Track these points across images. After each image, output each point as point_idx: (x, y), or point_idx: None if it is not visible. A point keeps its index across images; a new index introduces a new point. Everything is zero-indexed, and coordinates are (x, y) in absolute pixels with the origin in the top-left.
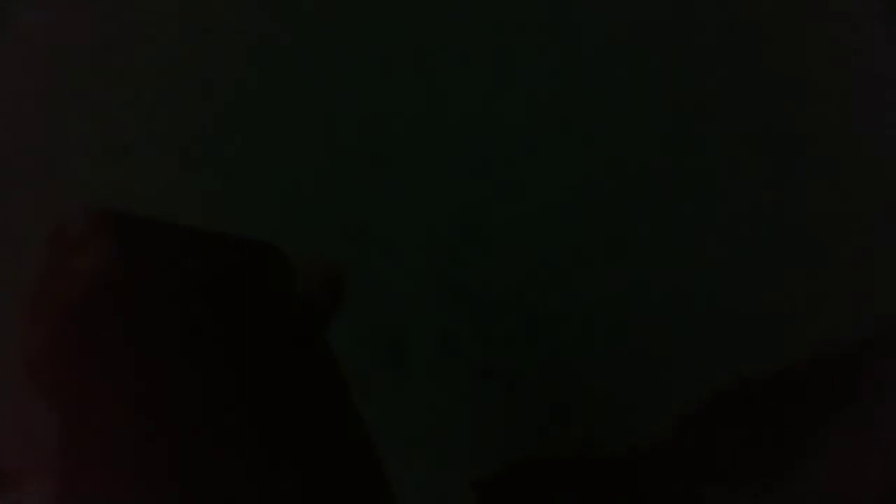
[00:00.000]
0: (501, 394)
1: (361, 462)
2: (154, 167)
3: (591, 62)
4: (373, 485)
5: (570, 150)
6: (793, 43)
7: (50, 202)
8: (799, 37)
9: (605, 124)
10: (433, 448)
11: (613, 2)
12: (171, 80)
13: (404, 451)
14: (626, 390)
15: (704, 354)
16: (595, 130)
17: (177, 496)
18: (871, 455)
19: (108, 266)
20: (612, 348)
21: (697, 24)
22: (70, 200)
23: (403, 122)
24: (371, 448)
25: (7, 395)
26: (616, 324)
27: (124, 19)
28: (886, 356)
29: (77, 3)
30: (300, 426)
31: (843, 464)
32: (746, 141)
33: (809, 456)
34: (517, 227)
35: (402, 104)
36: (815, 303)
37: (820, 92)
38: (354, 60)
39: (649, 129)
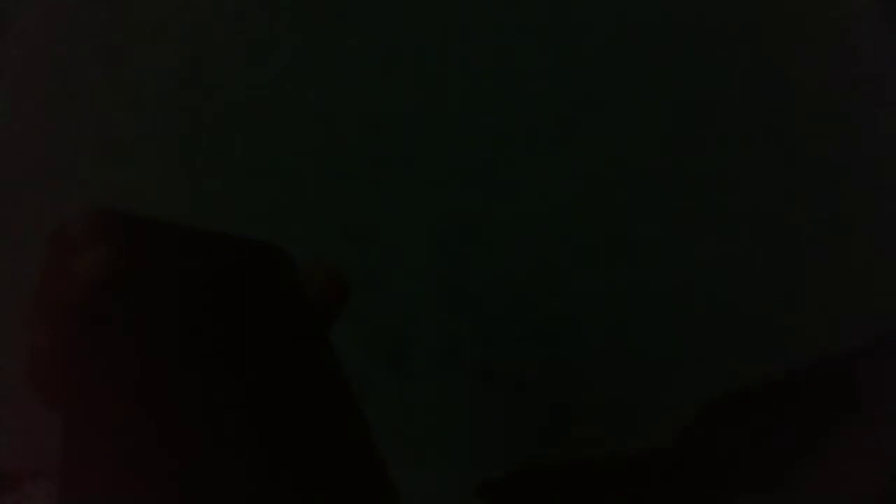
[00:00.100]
0: (503, 395)
1: (363, 463)
2: (154, 168)
3: (592, 62)
4: (375, 486)
5: (571, 151)
6: (793, 43)
7: (50, 203)
8: (799, 37)
9: (606, 125)
10: (435, 450)
11: (614, 1)
12: (171, 81)
13: (405, 452)
14: (627, 392)
15: (705, 355)
16: (595, 131)
17: (177, 496)
18: (871, 456)
19: (108, 266)
20: (613, 349)
21: (697, 25)
22: (70, 201)
23: (404, 122)
24: (374, 449)
25: (7, 396)
26: (618, 325)
27: (124, 19)
28: (887, 357)
29: (77, 3)
30: (301, 427)
31: (843, 465)
32: (746, 141)
33: (810, 457)
34: (518, 228)
35: (403, 105)
36: (815, 303)
37: (820, 92)
38: (355, 60)
39: (649, 130)
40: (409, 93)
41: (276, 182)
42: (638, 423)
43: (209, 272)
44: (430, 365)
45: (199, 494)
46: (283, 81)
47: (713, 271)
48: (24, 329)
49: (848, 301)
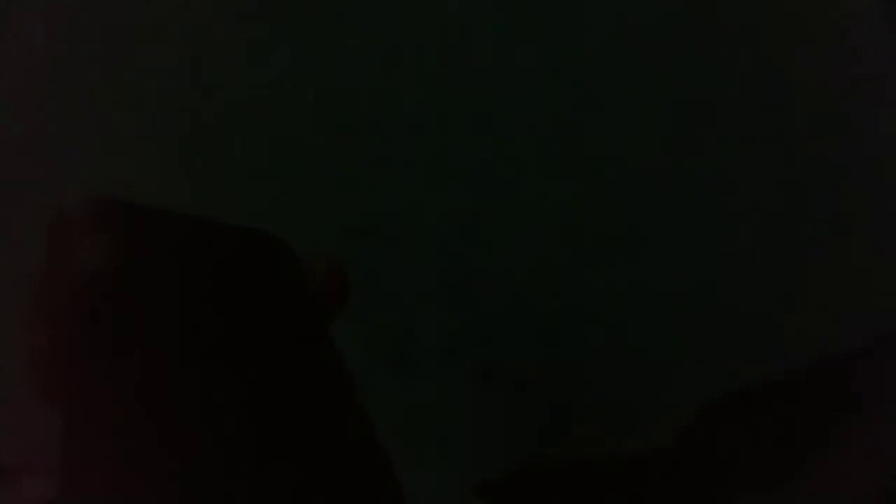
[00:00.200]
0: (503, 395)
1: (366, 460)
2: (155, 167)
3: (594, 59)
4: (379, 482)
5: (570, 151)
6: (793, 43)
7: (50, 204)
8: (799, 37)
9: (605, 124)
10: (435, 450)
11: (614, 1)
12: (171, 81)
13: (405, 452)
14: (627, 391)
15: (705, 355)
16: (595, 131)
17: (176, 493)
18: (871, 456)
19: (107, 254)
20: (613, 349)
21: (697, 25)
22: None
23: (404, 122)
24: (377, 445)
25: (4, 390)
26: (617, 325)
27: (124, 19)
28: (887, 357)
29: (77, 2)
30: (302, 426)
31: (843, 465)
32: (746, 141)
33: (810, 457)
34: (519, 227)
35: (403, 104)
36: (815, 303)
37: (820, 92)
38: (355, 60)
39: (649, 130)
40: (409, 92)
41: (275, 182)
42: (638, 423)
43: (210, 262)
44: (430, 365)
45: (198, 492)
46: (283, 81)
47: (713, 271)
48: (24, 324)
49: (848, 301)
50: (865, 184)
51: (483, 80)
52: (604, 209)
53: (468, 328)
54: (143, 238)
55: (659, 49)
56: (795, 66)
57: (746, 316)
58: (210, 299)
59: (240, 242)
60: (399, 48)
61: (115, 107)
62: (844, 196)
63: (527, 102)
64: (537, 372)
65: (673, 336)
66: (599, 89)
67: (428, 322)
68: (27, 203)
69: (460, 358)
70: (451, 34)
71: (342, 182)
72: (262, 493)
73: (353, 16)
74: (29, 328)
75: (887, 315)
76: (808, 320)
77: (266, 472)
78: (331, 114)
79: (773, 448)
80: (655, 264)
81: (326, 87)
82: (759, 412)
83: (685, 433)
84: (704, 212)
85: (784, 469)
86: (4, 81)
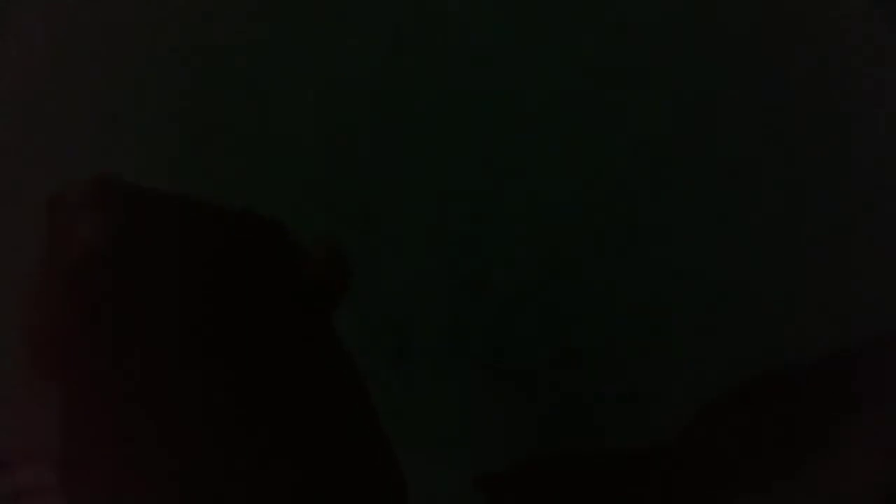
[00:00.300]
0: (510, 389)
1: (367, 455)
2: (155, 167)
3: (594, 59)
4: (378, 481)
5: (573, 150)
6: (793, 43)
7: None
8: (799, 37)
9: (605, 124)
10: (437, 445)
11: (614, 1)
12: (171, 81)
13: (407, 447)
14: (628, 391)
15: (705, 355)
16: (595, 131)
17: (176, 493)
18: (871, 456)
19: (106, 234)
20: (614, 349)
21: (697, 25)
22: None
23: (410, 105)
24: (379, 436)
25: (4, 390)
26: (620, 324)
27: (124, 19)
28: (887, 357)
29: (77, 2)
30: (302, 423)
31: (843, 465)
32: (746, 141)
33: (810, 457)
34: (520, 224)
35: (410, 88)
36: (815, 303)
37: (820, 92)
38: (355, 57)
39: (649, 130)
40: (409, 92)
41: (275, 182)
42: (638, 422)
43: (209, 251)
44: (434, 358)
45: (199, 494)
46: (284, 81)
47: (713, 271)
48: (25, 301)
49: (848, 301)
50: (865, 184)
51: (483, 80)
52: (604, 208)
53: (473, 321)
54: (142, 219)
55: (659, 49)
56: (795, 66)
57: (746, 316)
58: (209, 292)
59: (238, 226)
60: (399, 48)
61: (115, 107)
62: (844, 196)
63: (527, 102)
64: (541, 368)
65: (673, 336)
66: (599, 89)
67: (431, 315)
68: (27, 203)
69: (464, 351)
70: (451, 34)
71: (342, 180)
72: (262, 493)
73: (353, 16)
74: (27, 307)
75: (887, 315)
76: (808, 320)
77: (266, 472)
78: (331, 114)
79: (773, 448)
80: (655, 264)
81: (326, 87)
82: (759, 412)
83: (685, 433)
84: (704, 212)
85: (784, 469)
86: (4, 81)
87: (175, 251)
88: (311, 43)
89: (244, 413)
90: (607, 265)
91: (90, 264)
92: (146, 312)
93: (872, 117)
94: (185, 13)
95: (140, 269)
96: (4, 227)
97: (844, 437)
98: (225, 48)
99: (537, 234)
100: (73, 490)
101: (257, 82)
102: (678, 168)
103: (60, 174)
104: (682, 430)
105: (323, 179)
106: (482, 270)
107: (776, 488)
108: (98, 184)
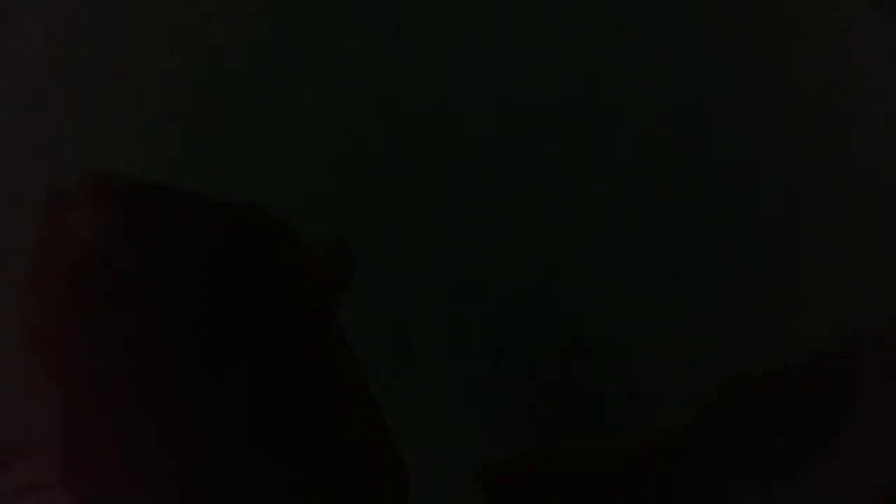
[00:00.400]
0: (510, 389)
1: (366, 456)
2: (155, 167)
3: (594, 59)
4: (379, 480)
5: (573, 150)
6: (793, 43)
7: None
8: (799, 37)
9: (605, 124)
10: (439, 441)
11: (614, 1)
12: (172, 81)
13: (409, 443)
14: (636, 387)
15: (705, 355)
16: (594, 131)
17: (176, 493)
18: (871, 456)
19: (106, 231)
20: (622, 345)
21: (697, 25)
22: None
23: (411, 99)
24: (379, 434)
25: (4, 383)
26: (619, 323)
27: (125, 19)
28: (887, 357)
29: (77, 2)
30: (302, 422)
31: (843, 465)
32: (746, 141)
33: (810, 457)
34: (528, 216)
35: (411, 81)
36: (815, 303)
37: (820, 92)
38: (355, 57)
39: (649, 130)
40: (410, 92)
41: (275, 181)
42: (638, 422)
43: (209, 249)
44: (434, 358)
45: (199, 494)
46: (284, 81)
47: (713, 271)
48: (25, 298)
49: (848, 301)
50: (865, 184)
51: (483, 80)
52: (604, 208)
53: (474, 316)
54: (141, 218)
55: (659, 49)
56: (795, 66)
57: (746, 316)
58: (209, 292)
59: (239, 220)
60: (399, 48)
61: (115, 107)
62: (844, 196)
63: (527, 102)
64: (538, 370)
65: (672, 336)
66: (599, 89)
67: (432, 310)
68: (27, 203)
69: (465, 347)
70: (451, 34)
71: (342, 179)
72: (262, 493)
73: (353, 15)
74: (27, 307)
75: (887, 315)
76: (808, 320)
77: (267, 471)
78: (331, 113)
79: (773, 448)
80: (655, 264)
81: (326, 87)
82: (759, 412)
83: (685, 433)
84: (704, 211)
85: (784, 469)
86: (4, 81)
87: (175, 250)
88: (311, 43)
89: (244, 412)
90: (607, 265)
91: (90, 264)
92: (146, 312)
93: (872, 117)
94: (185, 13)
95: (140, 269)
96: (4, 227)
97: (844, 437)
98: (225, 48)
99: (537, 233)
100: (74, 490)
101: (257, 82)
102: (678, 168)
103: (60, 174)
104: (683, 430)
105: (323, 179)
106: (482, 270)
107: (776, 488)
108: (98, 182)
